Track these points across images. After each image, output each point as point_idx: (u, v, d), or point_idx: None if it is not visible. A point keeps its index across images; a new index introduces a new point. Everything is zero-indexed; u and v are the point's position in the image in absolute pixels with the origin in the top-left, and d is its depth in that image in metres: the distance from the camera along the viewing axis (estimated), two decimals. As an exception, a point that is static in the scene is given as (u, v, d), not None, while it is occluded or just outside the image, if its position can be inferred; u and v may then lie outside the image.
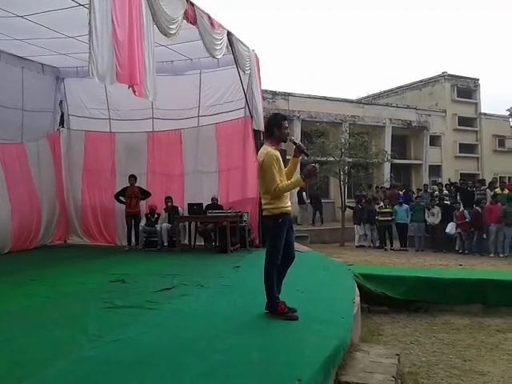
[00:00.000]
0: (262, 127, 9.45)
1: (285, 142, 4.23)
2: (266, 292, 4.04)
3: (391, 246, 14.03)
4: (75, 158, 10.93)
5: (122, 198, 9.85)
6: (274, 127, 4.11)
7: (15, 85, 9.51)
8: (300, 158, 4.27)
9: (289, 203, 4.14)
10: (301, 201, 18.22)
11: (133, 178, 9.82)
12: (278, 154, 4.05)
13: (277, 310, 3.98)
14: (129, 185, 9.80)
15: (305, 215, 18.36)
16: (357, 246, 14.61)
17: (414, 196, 15.78)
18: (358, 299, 5.02)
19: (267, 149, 4.05)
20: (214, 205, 9.48)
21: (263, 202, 4.12)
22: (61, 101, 10.77)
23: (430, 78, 26.29)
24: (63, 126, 10.88)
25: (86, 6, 5.63)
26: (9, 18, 7.27)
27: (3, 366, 2.95)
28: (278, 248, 4.03)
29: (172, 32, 6.88)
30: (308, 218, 18.26)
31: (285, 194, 4.07)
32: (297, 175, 4.19)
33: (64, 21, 7.34)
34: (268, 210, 4.06)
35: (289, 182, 4.07)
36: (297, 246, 9.61)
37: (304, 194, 18.12)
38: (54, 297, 5.07)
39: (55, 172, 10.62)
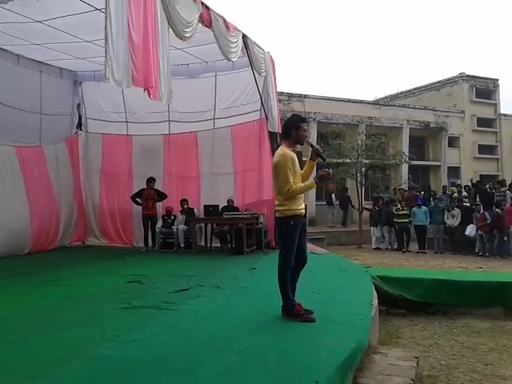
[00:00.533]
0: (277, 129, 9.44)
1: (302, 144, 4.21)
2: (281, 294, 4.02)
3: (407, 247, 13.88)
4: (93, 161, 11.05)
5: (138, 200, 9.92)
6: (292, 128, 4.09)
7: (34, 89, 9.65)
8: (316, 160, 4.23)
9: (302, 205, 4.10)
10: (329, 202, 18.11)
11: (152, 180, 9.89)
12: (294, 155, 4.03)
13: (293, 312, 3.95)
14: (146, 187, 9.87)
15: (333, 217, 18.26)
16: (374, 249, 14.48)
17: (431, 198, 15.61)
18: (375, 301, 4.95)
19: (283, 150, 4.04)
20: (230, 207, 9.48)
21: (276, 203, 4.11)
22: (78, 104, 10.91)
23: (448, 79, 26.00)
24: (81, 129, 11.01)
25: (103, 10, 5.69)
26: (27, 23, 7.39)
27: (18, 364, 2.97)
28: (290, 250, 3.99)
29: (187, 35, 6.91)
30: (336, 219, 18.18)
31: (298, 195, 4.04)
32: (311, 178, 4.15)
33: (81, 25, 7.43)
34: (280, 212, 4.05)
35: (302, 184, 4.04)
36: (313, 247, 9.63)
37: (333, 195, 18.02)
38: (71, 297, 5.11)
39: (73, 175, 10.75)
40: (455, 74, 25.71)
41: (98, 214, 11.00)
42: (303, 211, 4.10)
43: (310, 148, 4.17)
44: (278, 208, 4.07)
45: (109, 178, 10.92)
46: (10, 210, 8.90)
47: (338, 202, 18.38)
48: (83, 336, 3.58)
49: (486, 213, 12.54)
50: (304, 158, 4.90)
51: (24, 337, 3.54)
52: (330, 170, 4.06)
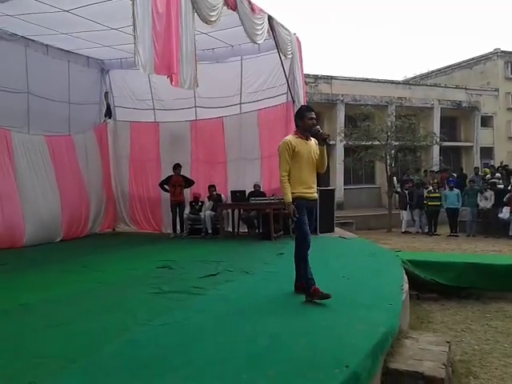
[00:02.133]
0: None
1: (310, 132, 4.29)
2: (301, 273, 4.18)
3: (435, 231, 13.66)
4: (122, 149, 11.20)
5: (166, 187, 10.02)
6: (298, 119, 4.33)
7: (62, 78, 9.79)
8: (324, 146, 4.31)
9: (309, 190, 4.24)
10: (391, 185, 17.77)
11: (179, 167, 9.96)
12: (296, 142, 4.21)
13: (309, 291, 4.03)
14: (173, 173, 9.96)
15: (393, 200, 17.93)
16: (403, 232, 14.27)
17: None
18: (406, 286, 4.89)
19: (287, 137, 4.32)
20: (257, 192, 9.47)
21: None
22: (106, 92, 11.01)
23: (481, 56, 25.12)
24: (110, 117, 11.15)
25: (128, -3, 5.70)
26: (55, 12, 7.47)
27: (57, 348, 3.06)
28: (303, 231, 4.18)
29: (213, 19, 6.88)
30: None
31: (299, 180, 4.18)
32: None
33: (107, 13, 7.46)
34: None
35: (287, 186, 4.17)
36: (341, 232, 9.55)
37: (395, 178, 17.66)
38: (103, 282, 5.22)
39: (102, 163, 10.91)
40: (489, 50, 24.85)
41: (128, 200, 11.19)
42: (309, 195, 4.25)
43: (318, 134, 4.25)
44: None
45: (138, 165, 11.07)
46: (41, 198, 9.14)
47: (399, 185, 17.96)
48: (116, 320, 3.66)
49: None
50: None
51: (60, 321, 3.64)
52: (326, 137, 4.21)
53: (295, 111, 4.57)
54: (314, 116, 4.31)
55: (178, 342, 3.12)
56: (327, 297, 3.93)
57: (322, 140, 4.23)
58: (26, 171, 8.95)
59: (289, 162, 4.17)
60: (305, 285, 4.11)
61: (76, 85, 10.09)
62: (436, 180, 15.00)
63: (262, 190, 9.64)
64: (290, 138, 4.26)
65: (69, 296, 4.60)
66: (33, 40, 9.00)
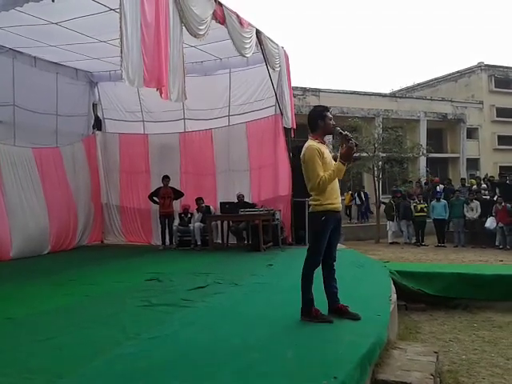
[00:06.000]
0: (291, 125, 9.46)
1: (331, 133, 3.99)
2: (302, 293, 3.81)
3: (422, 241, 13.78)
4: (111, 161, 11.17)
5: (155, 199, 10.00)
6: (318, 119, 3.86)
7: (50, 90, 9.76)
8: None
9: (337, 199, 3.84)
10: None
11: (167, 178, 9.95)
12: (321, 146, 3.81)
13: (310, 313, 3.80)
14: (162, 185, 9.94)
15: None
16: (390, 243, 14.33)
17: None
18: (394, 296, 4.91)
19: (309, 143, 3.82)
20: (241, 202, 9.44)
21: (310, 198, 3.89)
22: (94, 104, 11.00)
23: (466, 69, 25.61)
24: (98, 129, 11.12)
25: (117, 10, 5.74)
26: (44, 25, 7.49)
27: (44, 363, 3.03)
28: (318, 247, 3.77)
29: (201, 33, 6.95)
30: None
31: (331, 189, 3.77)
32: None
33: (96, 26, 7.50)
34: (312, 207, 3.83)
35: (330, 170, 3.70)
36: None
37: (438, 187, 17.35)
38: (92, 295, 5.18)
39: (90, 174, 10.84)
40: (474, 63, 25.33)
41: (118, 212, 11.13)
42: (338, 205, 3.83)
43: (339, 136, 3.88)
44: (310, 203, 3.86)
45: (127, 177, 11.04)
46: (28, 210, 9.05)
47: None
48: (105, 334, 3.64)
49: (509, 205, 12.31)
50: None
51: (48, 335, 3.60)
52: (353, 142, 3.72)
53: (314, 110, 3.99)
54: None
55: (167, 355, 3.10)
56: (328, 321, 3.74)
57: (347, 141, 3.71)
58: (12, 183, 8.86)
59: (321, 167, 3.68)
60: (342, 306, 3.88)
61: (64, 97, 10.05)
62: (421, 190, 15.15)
63: (250, 201, 9.65)
64: (314, 143, 3.77)
65: (56, 309, 4.56)
66: (20, 52, 8.97)
